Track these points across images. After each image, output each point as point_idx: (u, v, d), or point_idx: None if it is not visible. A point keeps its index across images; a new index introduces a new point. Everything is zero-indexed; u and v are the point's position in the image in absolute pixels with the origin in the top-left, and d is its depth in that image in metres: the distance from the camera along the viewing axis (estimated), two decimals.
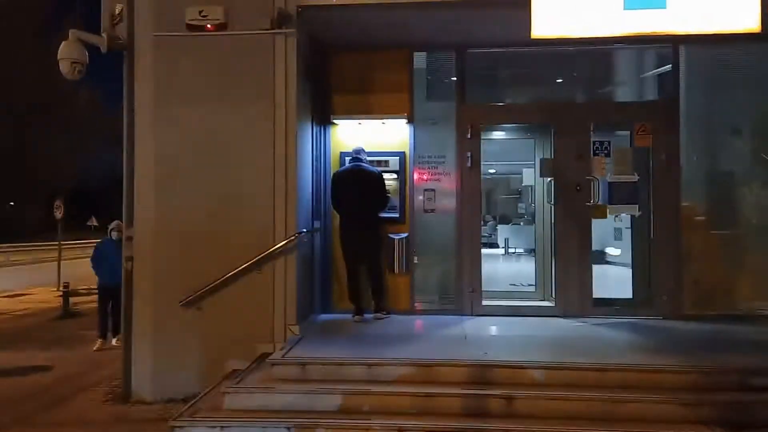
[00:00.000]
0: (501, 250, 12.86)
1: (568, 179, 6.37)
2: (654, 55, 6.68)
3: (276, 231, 5.50)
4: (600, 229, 7.03)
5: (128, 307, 5.65)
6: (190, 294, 5.46)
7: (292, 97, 5.53)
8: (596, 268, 6.49)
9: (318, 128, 6.47)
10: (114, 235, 7.88)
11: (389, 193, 6.38)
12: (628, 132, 6.61)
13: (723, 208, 6.47)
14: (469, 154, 6.44)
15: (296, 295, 5.52)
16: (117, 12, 5.62)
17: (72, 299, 10.71)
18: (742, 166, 6.49)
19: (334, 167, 6.59)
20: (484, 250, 6.65)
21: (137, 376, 5.59)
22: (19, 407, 5.44)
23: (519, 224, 13.10)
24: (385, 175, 6.36)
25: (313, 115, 6.27)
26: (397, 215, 6.52)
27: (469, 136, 6.43)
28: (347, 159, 6.40)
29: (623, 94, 7.27)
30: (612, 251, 8.44)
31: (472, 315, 6.35)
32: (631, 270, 6.77)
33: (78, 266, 13.91)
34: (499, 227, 13.48)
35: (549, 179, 6.66)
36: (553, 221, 6.71)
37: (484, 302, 6.48)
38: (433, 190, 6.60)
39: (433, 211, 6.60)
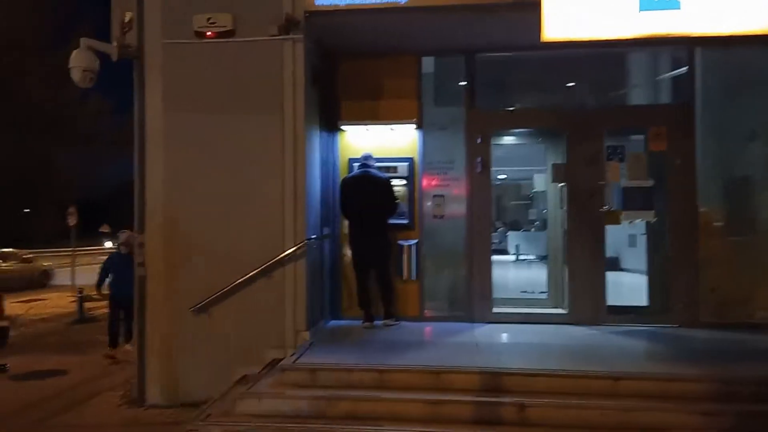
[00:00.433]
0: (512, 257, 12.76)
1: (581, 185, 6.29)
2: (669, 58, 6.61)
3: (285, 237, 5.50)
4: (614, 235, 6.92)
5: (141, 312, 5.69)
6: (201, 300, 5.46)
7: (301, 103, 5.54)
8: (610, 275, 6.39)
9: (326, 134, 6.46)
10: (123, 249, 7.79)
11: (398, 199, 6.34)
12: (643, 136, 6.51)
13: (741, 213, 6.35)
14: (478, 159, 6.39)
15: (306, 301, 5.50)
16: (127, 20, 5.67)
17: (86, 304, 10.80)
18: (761, 170, 6.35)
19: (342, 173, 6.58)
20: (494, 257, 6.58)
21: (151, 380, 5.62)
22: (37, 411, 5.53)
23: (530, 230, 13.01)
24: (394, 181, 6.34)
25: (321, 121, 6.27)
26: (406, 221, 6.49)
27: (478, 141, 6.38)
28: (356, 165, 6.38)
29: (637, 97, 7.16)
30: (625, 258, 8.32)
31: (482, 322, 6.28)
32: (646, 277, 6.66)
33: (91, 272, 14.02)
34: (510, 233, 13.38)
35: (561, 185, 6.58)
36: (565, 227, 6.61)
37: (495, 309, 6.40)
38: (442, 196, 6.55)
39: (442, 217, 6.55)
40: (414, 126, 6.46)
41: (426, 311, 6.50)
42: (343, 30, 5.98)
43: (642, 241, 6.98)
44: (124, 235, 7.90)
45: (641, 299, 6.55)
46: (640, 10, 4.77)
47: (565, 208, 6.53)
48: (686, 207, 6.18)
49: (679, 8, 4.72)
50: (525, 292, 8.07)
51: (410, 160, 6.53)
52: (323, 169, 6.36)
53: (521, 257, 12.59)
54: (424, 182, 6.56)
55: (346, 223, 6.44)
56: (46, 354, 7.89)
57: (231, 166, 5.61)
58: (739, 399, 4.19)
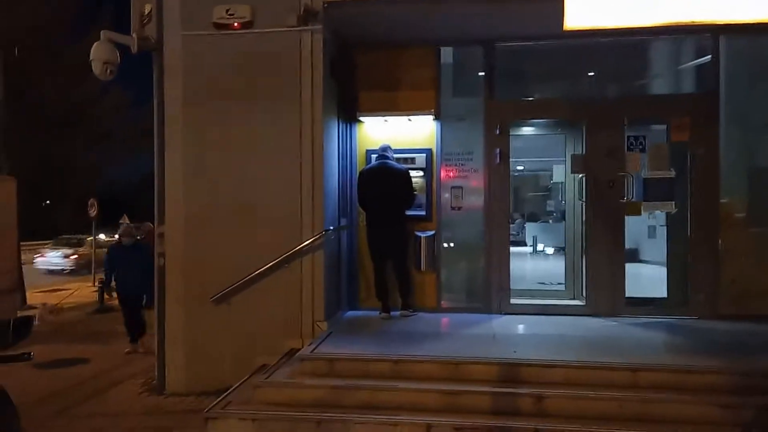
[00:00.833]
0: (529, 249, 12.69)
1: (601, 175, 6.21)
2: (692, 46, 6.46)
3: (303, 228, 5.54)
4: (633, 226, 6.85)
5: (161, 301, 5.78)
6: (220, 290, 5.54)
7: (319, 94, 5.55)
8: (629, 267, 6.32)
9: (344, 125, 6.47)
10: (125, 240, 7.59)
11: (416, 190, 6.33)
12: (665, 126, 6.41)
13: (763, 204, 6.22)
14: (497, 150, 6.35)
15: (324, 292, 5.55)
16: (146, 12, 5.72)
17: (107, 295, 11.00)
18: None
19: (360, 165, 6.59)
20: (511, 249, 6.55)
21: (171, 369, 5.73)
22: (61, 399, 5.67)
23: (548, 222, 12.91)
24: (412, 173, 6.33)
25: (339, 112, 6.27)
26: (423, 213, 6.48)
27: (497, 132, 6.34)
28: (373, 156, 6.38)
29: (659, 87, 7.04)
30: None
31: (500, 313, 6.27)
32: (665, 268, 6.58)
33: None
34: (528, 225, 13.30)
35: (580, 176, 6.52)
36: (584, 218, 6.56)
37: (513, 301, 6.39)
38: (460, 187, 6.53)
39: (460, 208, 6.54)
40: (432, 117, 6.44)
41: (443, 302, 6.51)
42: (362, 20, 5.96)
43: (662, 232, 6.90)
44: (124, 226, 7.87)
45: (660, 291, 6.48)
46: None
47: (584, 199, 6.47)
48: (708, 198, 6.08)
49: None
50: (542, 283, 8.04)
51: (428, 151, 6.51)
52: (341, 160, 6.37)
53: (539, 249, 12.52)
54: (442, 174, 6.54)
55: (363, 214, 6.46)
56: (69, 343, 8.07)
57: (249, 157, 5.65)
58: (758, 391, 4.12)
